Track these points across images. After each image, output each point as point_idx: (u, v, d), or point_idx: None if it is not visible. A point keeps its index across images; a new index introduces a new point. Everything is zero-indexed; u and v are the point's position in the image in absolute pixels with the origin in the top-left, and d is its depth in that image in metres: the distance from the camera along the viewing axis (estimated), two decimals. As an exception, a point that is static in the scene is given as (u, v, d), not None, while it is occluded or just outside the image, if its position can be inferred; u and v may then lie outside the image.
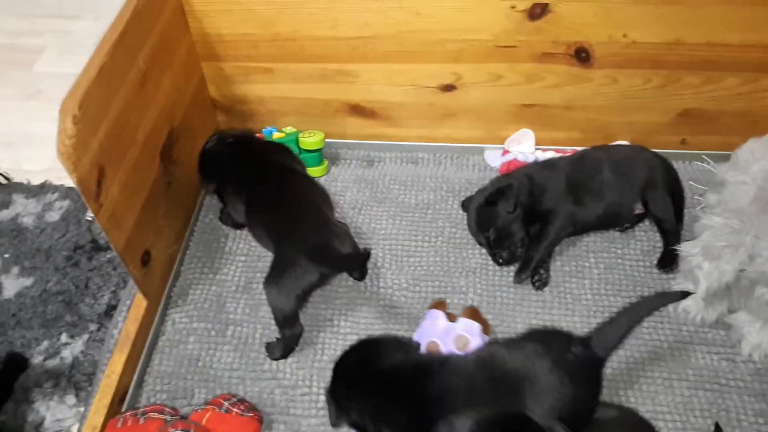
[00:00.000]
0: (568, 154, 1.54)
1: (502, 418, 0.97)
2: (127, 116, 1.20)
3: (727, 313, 1.30)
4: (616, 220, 1.47)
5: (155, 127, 1.32)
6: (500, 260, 1.41)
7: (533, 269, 1.39)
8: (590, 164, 1.45)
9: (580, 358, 1.04)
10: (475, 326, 1.24)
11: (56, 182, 1.71)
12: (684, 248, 1.29)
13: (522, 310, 1.35)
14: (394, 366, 1.07)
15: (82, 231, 1.58)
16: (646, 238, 1.47)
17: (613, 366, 1.25)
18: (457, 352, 1.19)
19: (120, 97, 1.17)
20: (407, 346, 1.13)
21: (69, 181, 1.69)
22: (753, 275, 1.19)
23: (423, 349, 1.20)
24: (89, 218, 1.60)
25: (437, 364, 1.07)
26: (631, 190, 1.44)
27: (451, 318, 1.28)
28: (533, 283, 1.39)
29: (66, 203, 1.65)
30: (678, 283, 1.34)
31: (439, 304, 1.32)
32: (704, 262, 1.23)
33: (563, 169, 1.45)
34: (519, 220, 1.40)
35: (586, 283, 1.39)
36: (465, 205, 1.52)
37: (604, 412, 1.09)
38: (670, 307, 1.33)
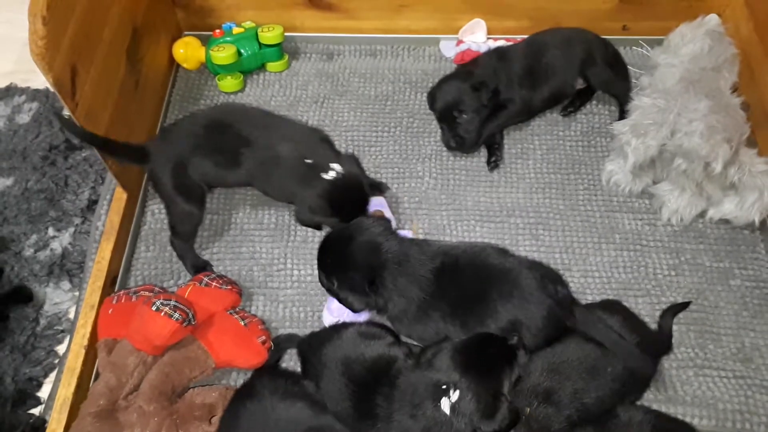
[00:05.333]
0: (516, 43, 1.62)
1: (475, 338, 1.08)
2: (92, 15, 1.23)
3: (652, 184, 1.47)
4: (561, 98, 1.58)
5: (119, 27, 1.36)
6: (454, 144, 1.50)
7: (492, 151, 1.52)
8: (536, 49, 1.55)
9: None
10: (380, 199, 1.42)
11: (21, 84, 1.73)
12: (615, 127, 1.42)
13: (472, 190, 1.49)
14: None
15: (54, 132, 1.64)
16: (586, 120, 1.60)
17: (550, 235, 1.43)
18: None
19: (82, -3, 1.20)
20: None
21: (36, 83, 1.73)
22: (672, 148, 1.34)
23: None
24: (66, 116, 1.64)
25: None
26: (571, 67, 1.55)
27: None
28: (488, 163, 1.52)
29: (35, 105, 1.69)
30: (611, 160, 1.49)
31: None
32: (632, 138, 1.37)
33: (515, 58, 1.54)
34: (485, 113, 1.49)
35: (530, 163, 1.53)
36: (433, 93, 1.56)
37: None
38: (603, 180, 1.49)
